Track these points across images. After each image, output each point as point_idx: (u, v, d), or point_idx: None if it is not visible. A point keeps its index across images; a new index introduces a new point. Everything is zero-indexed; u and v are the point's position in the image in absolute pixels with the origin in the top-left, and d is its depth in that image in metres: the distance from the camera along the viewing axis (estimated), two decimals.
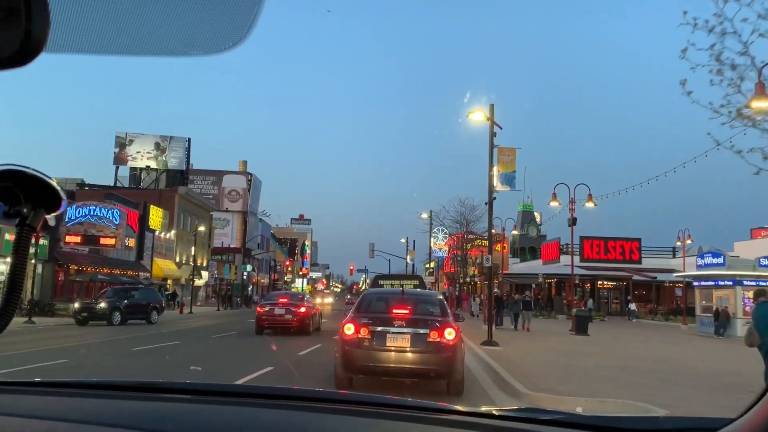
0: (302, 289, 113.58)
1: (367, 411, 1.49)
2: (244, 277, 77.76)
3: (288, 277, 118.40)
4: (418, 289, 16.27)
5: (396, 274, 27.54)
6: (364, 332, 9.09)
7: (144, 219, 46.66)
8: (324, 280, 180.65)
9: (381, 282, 22.78)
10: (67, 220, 34.10)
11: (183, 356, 15.20)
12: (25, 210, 0.95)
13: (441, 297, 11.29)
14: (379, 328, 9.08)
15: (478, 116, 17.22)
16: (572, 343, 20.35)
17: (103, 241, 34.83)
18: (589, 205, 28.20)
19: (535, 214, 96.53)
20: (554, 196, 27.95)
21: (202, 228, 53.66)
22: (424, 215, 49.00)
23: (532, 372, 11.71)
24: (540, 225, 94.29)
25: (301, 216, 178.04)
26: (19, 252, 0.95)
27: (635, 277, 51.29)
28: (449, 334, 8.99)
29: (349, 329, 9.26)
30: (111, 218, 35.25)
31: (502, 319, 29.30)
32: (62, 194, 0.99)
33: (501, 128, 17.16)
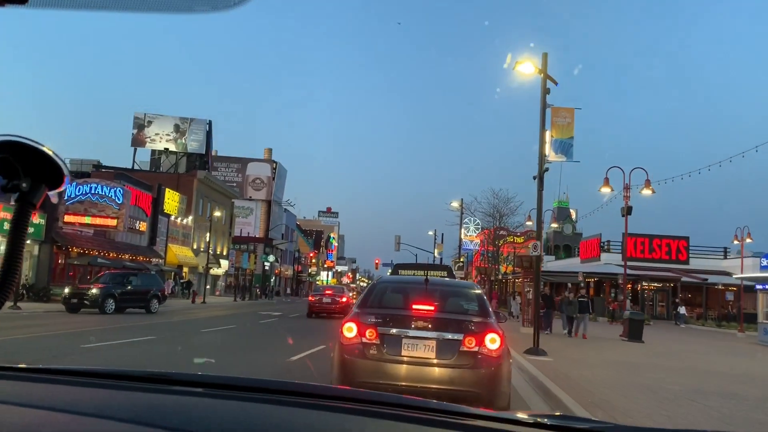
0: (327, 282, 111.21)
1: (389, 413, 1.37)
2: (266, 267, 75.26)
3: (312, 270, 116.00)
4: (448, 279, 12.82)
5: (421, 263, 24.01)
6: (370, 335, 6.56)
7: (158, 202, 44.15)
8: (350, 274, 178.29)
9: (402, 272, 19.43)
10: (66, 198, 31.49)
11: (135, 357, 12.12)
12: (24, 185, 0.89)
13: (480, 291, 8.12)
14: (393, 331, 6.55)
15: (527, 68, 13.75)
16: (633, 353, 16.85)
17: (102, 221, 32.10)
18: (647, 192, 24.53)
19: (571, 211, 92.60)
20: (606, 182, 24.34)
21: (218, 213, 50.96)
22: (455, 204, 45.53)
23: (607, 398, 8.33)
24: (575, 222, 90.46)
25: (329, 209, 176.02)
26: (18, 230, 0.89)
27: (684, 279, 47.08)
28: (492, 341, 6.44)
29: (350, 330, 6.70)
30: (114, 197, 32.53)
31: (551, 322, 24.04)
32: (65, 169, 0.91)
33: (556, 83, 13.75)
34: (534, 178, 14.10)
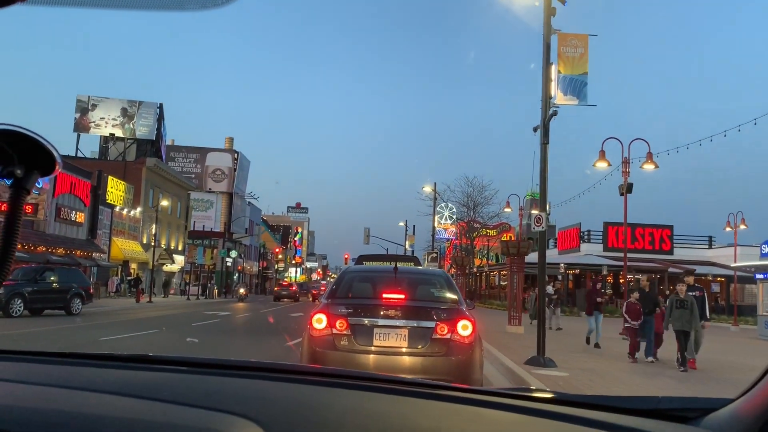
0: (296, 279, 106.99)
1: (379, 387, 1.40)
2: (229, 263, 70.85)
3: (280, 266, 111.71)
4: (418, 267, 11.53)
5: (385, 254, 20.51)
6: (340, 326, 6.34)
7: (97, 191, 39.71)
8: (320, 270, 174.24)
9: (366, 263, 16.51)
10: None
11: None
12: (18, 171, 0.94)
13: (449, 277, 7.96)
14: (364, 321, 6.37)
15: None
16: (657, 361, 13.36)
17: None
18: (648, 166, 21.19)
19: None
20: (602, 155, 20.90)
21: (165, 203, 46.51)
22: (427, 188, 41.83)
23: None
24: (549, 214, 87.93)
25: (298, 204, 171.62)
26: (13, 214, 0.95)
27: (671, 270, 44.31)
28: (464, 328, 6.30)
29: (320, 322, 6.42)
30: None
31: (655, 339, 13.33)
32: (58, 157, 0.96)
33: (564, 2, 10.20)
34: (535, 129, 10.53)
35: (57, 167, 0.96)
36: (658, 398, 1.27)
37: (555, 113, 10.15)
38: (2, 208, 27.49)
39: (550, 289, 22.86)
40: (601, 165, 21.15)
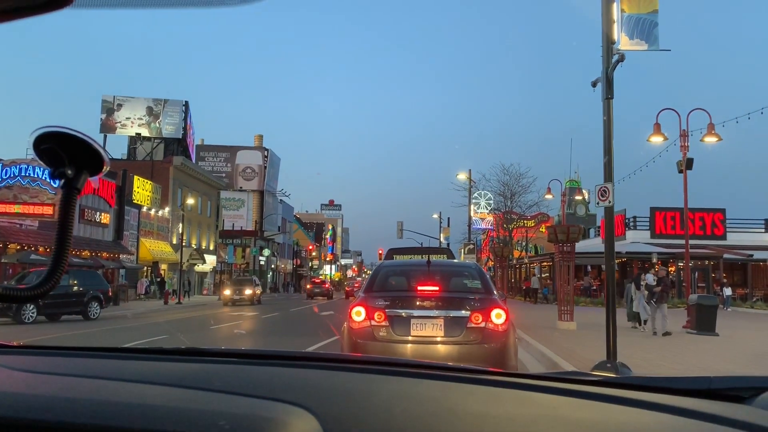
0: (331, 276, 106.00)
1: (423, 373, 1.44)
2: (262, 262, 69.92)
3: (315, 264, 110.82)
4: (451, 260, 12.48)
5: (416, 247, 18.60)
6: (379, 318, 6.66)
7: (123, 191, 38.79)
8: (355, 267, 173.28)
9: (396, 257, 15.53)
10: None
11: None
12: (69, 172, 0.98)
13: (480, 269, 8.20)
14: (401, 312, 6.68)
15: None
16: (736, 354, 11.30)
17: (35, 210, 26.59)
18: (710, 139, 18.96)
19: (584, 191, 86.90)
20: (657, 128, 18.79)
21: (191, 201, 45.41)
22: (462, 176, 39.78)
23: None
24: (588, 203, 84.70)
25: (331, 201, 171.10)
26: (66, 213, 0.99)
27: (726, 256, 41.49)
28: (497, 316, 6.55)
29: (359, 314, 6.78)
30: (48, 180, 27.23)
31: None
32: (105, 157, 1.00)
33: None
34: (594, 84, 8.64)
35: (105, 167, 0.99)
36: (711, 378, 1.26)
37: (621, 58, 8.18)
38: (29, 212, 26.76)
39: (650, 278, 18.21)
40: (656, 139, 19.03)
